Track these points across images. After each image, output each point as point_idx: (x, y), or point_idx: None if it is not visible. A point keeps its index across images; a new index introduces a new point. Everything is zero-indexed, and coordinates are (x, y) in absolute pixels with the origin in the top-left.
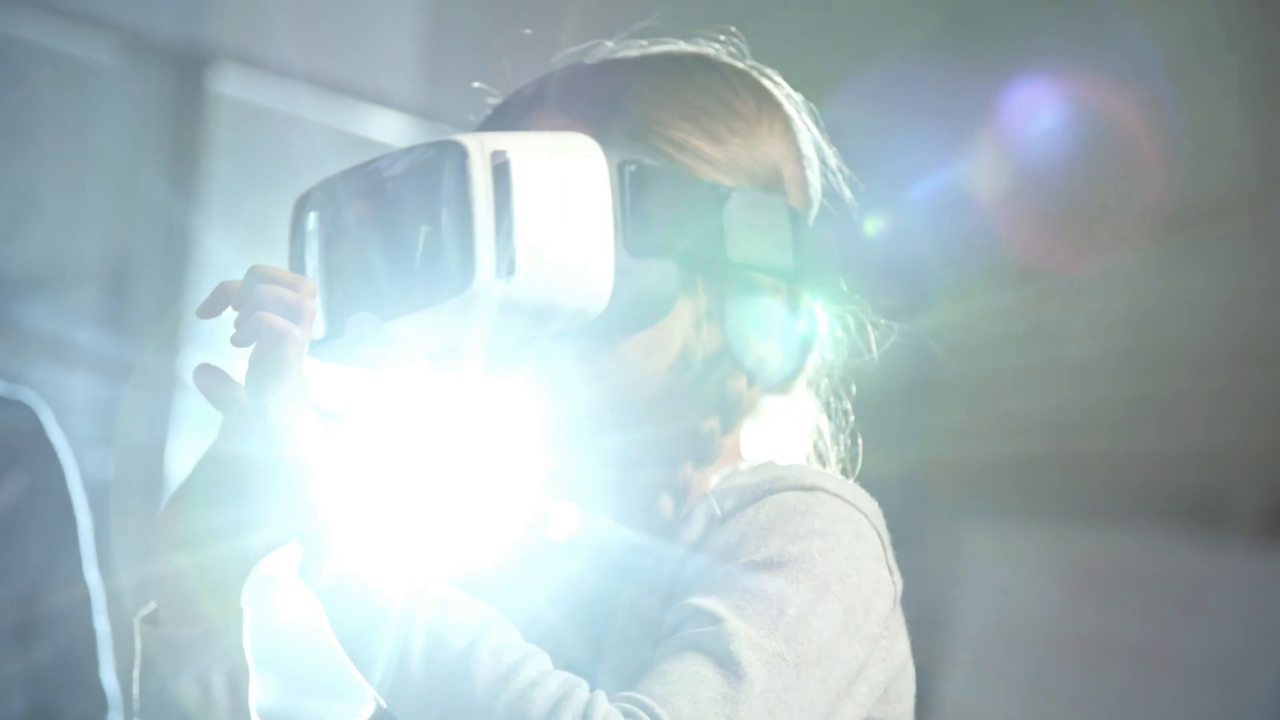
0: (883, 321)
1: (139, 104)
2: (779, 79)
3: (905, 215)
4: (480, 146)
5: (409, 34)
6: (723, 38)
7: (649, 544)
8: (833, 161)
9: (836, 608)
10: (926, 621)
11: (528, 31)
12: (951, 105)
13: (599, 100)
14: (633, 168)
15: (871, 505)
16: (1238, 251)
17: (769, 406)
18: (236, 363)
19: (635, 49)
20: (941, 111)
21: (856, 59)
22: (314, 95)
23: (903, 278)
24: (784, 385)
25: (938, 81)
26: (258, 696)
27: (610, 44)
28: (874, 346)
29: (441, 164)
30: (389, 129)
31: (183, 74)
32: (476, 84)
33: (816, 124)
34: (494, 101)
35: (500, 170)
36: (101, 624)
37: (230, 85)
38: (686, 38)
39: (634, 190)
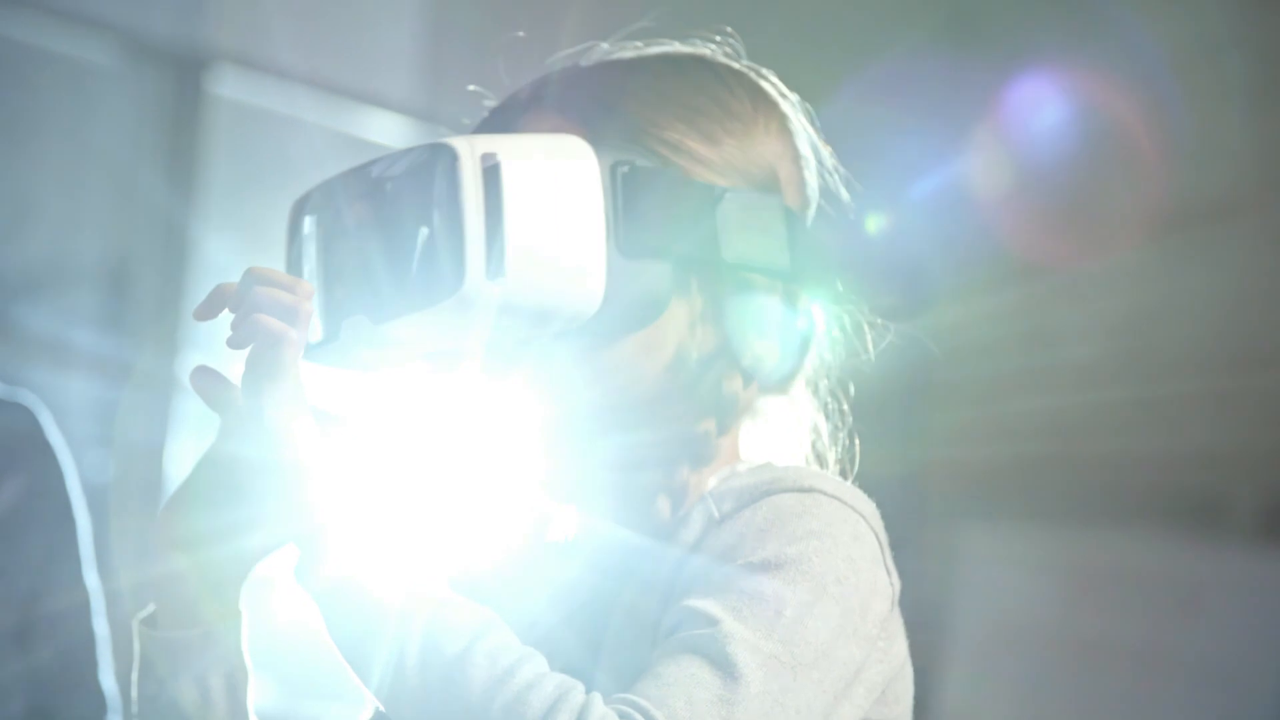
0: (879, 321)
1: (138, 105)
2: (775, 79)
3: (904, 216)
4: (471, 149)
5: (407, 35)
6: (719, 38)
7: (647, 545)
8: (829, 161)
9: (833, 609)
10: (925, 623)
11: (521, 34)
12: (951, 105)
13: (594, 102)
14: (625, 169)
15: (869, 507)
16: (1237, 252)
17: (768, 407)
18: (235, 364)
19: (631, 50)
20: (941, 111)
21: (856, 59)
22: (312, 97)
23: (901, 278)
24: (782, 385)
25: (937, 81)
26: (256, 698)
27: (606, 45)
28: (871, 346)
29: (433, 167)
30: (387, 131)
31: (181, 76)
32: (472, 87)
33: (813, 124)
34: (491, 104)
35: (491, 173)
36: (101, 626)
37: (229, 87)
38: (683, 38)
39: (626, 191)
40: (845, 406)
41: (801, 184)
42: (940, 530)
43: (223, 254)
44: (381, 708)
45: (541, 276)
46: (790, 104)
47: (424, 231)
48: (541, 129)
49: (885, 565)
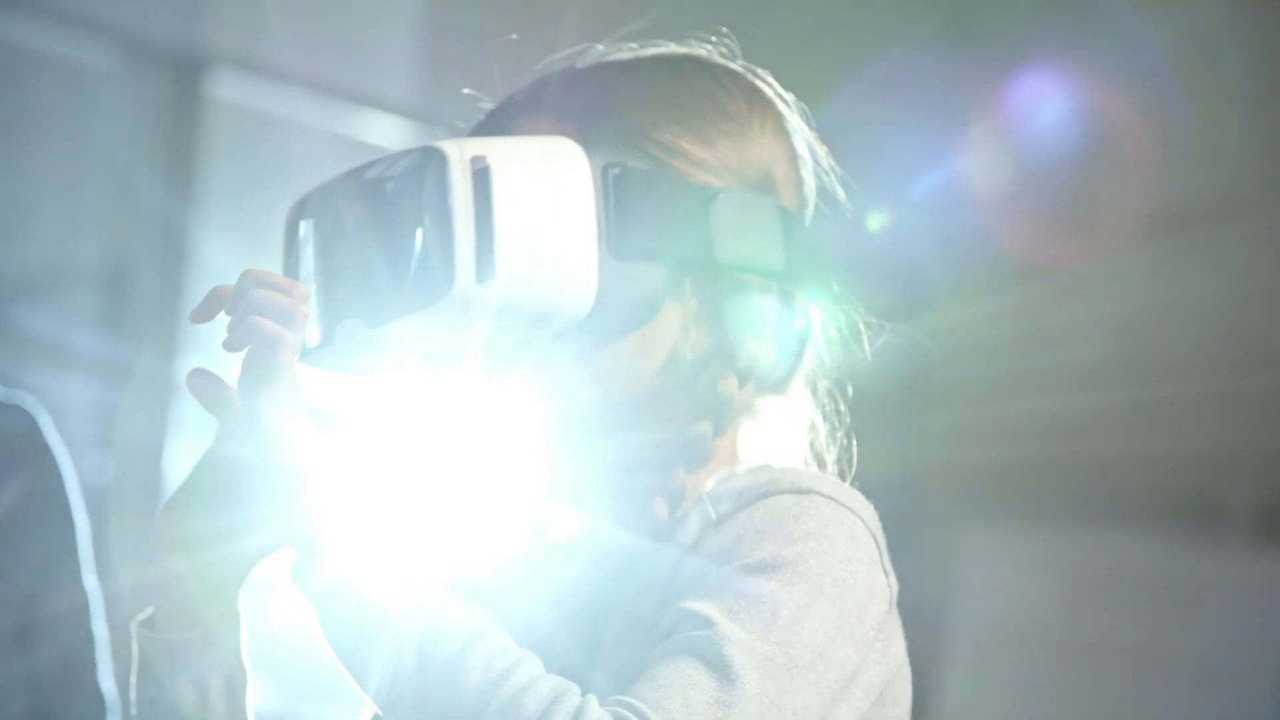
0: (875, 321)
1: (136, 108)
2: (770, 79)
3: (903, 216)
4: (460, 152)
5: (406, 37)
6: (714, 38)
7: (646, 546)
8: (825, 161)
9: (830, 611)
10: (924, 624)
11: (514, 36)
12: (949, 106)
13: (588, 104)
14: (616, 171)
15: (867, 508)
16: (1236, 253)
17: (767, 408)
18: (234, 366)
19: (626, 52)
20: (940, 112)
21: (855, 58)
22: (311, 99)
23: (900, 279)
24: (780, 386)
25: (936, 81)
26: (255, 700)
27: (601, 47)
28: (868, 347)
29: (424, 170)
30: (386, 133)
31: (179, 78)
32: (467, 90)
33: (808, 124)
34: (487, 106)
35: (480, 176)
36: (100, 628)
37: (227, 89)
38: (678, 39)
39: (618, 193)
40: (842, 407)
41: (798, 184)
42: (940, 531)
43: (221, 255)
44: (379, 710)
45: (532, 279)
46: (786, 104)
47: (416, 235)
48: (536, 131)
49: (883, 567)
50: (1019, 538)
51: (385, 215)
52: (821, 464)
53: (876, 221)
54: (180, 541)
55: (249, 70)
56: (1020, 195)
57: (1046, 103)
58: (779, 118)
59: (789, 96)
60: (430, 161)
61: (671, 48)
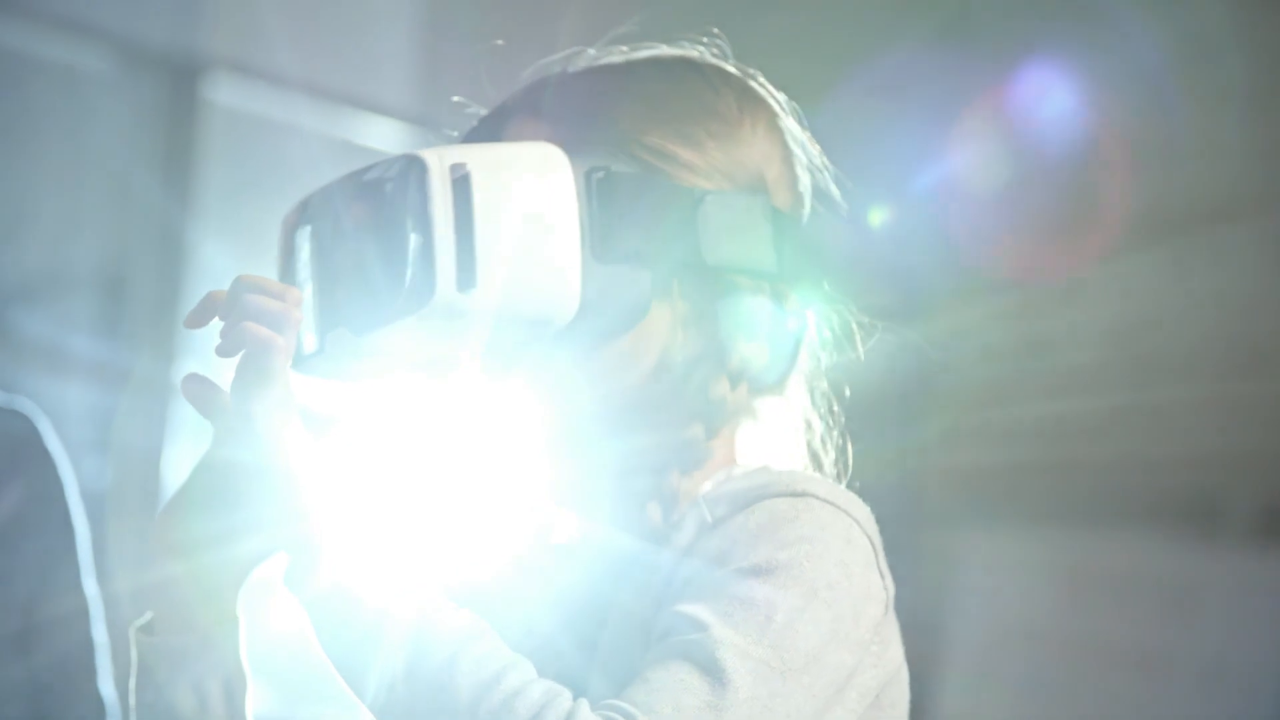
0: (868, 320)
1: (133, 112)
2: (763, 79)
3: (900, 218)
4: (440, 161)
5: (403, 41)
6: (706, 39)
7: (642, 549)
8: (818, 160)
9: (824, 614)
10: (922, 627)
11: (500, 42)
12: (948, 107)
13: (577, 108)
14: (600, 175)
15: (863, 511)
16: (1233, 256)
17: (765, 409)
18: (230, 371)
19: (618, 55)
20: (938, 113)
21: (854, 58)
22: (308, 103)
23: (898, 282)
24: (776, 387)
25: (934, 81)
26: (254, 704)
27: (592, 51)
28: (861, 347)
29: (406, 179)
30: (384, 136)
31: (177, 82)
32: (456, 98)
33: (801, 124)
34: (480, 112)
35: (460, 184)
36: (100, 633)
37: (224, 93)
38: (671, 41)
39: (601, 197)
40: (835, 408)
41: (792, 184)
42: (939, 533)
43: (219, 259)
44: (374, 715)
45: (514, 285)
46: (779, 103)
47: (398, 243)
48: (526, 136)
49: (879, 570)
50: (1019, 539)
51: (367, 224)
52: (819, 465)
53: (877, 218)
54: (178, 545)
55: (246, 74)
56: (1019, 198)
57: (1046, 103)
58: (771, 117)
59: (781, 96)
60: (411, 170)
61: (663, 50)
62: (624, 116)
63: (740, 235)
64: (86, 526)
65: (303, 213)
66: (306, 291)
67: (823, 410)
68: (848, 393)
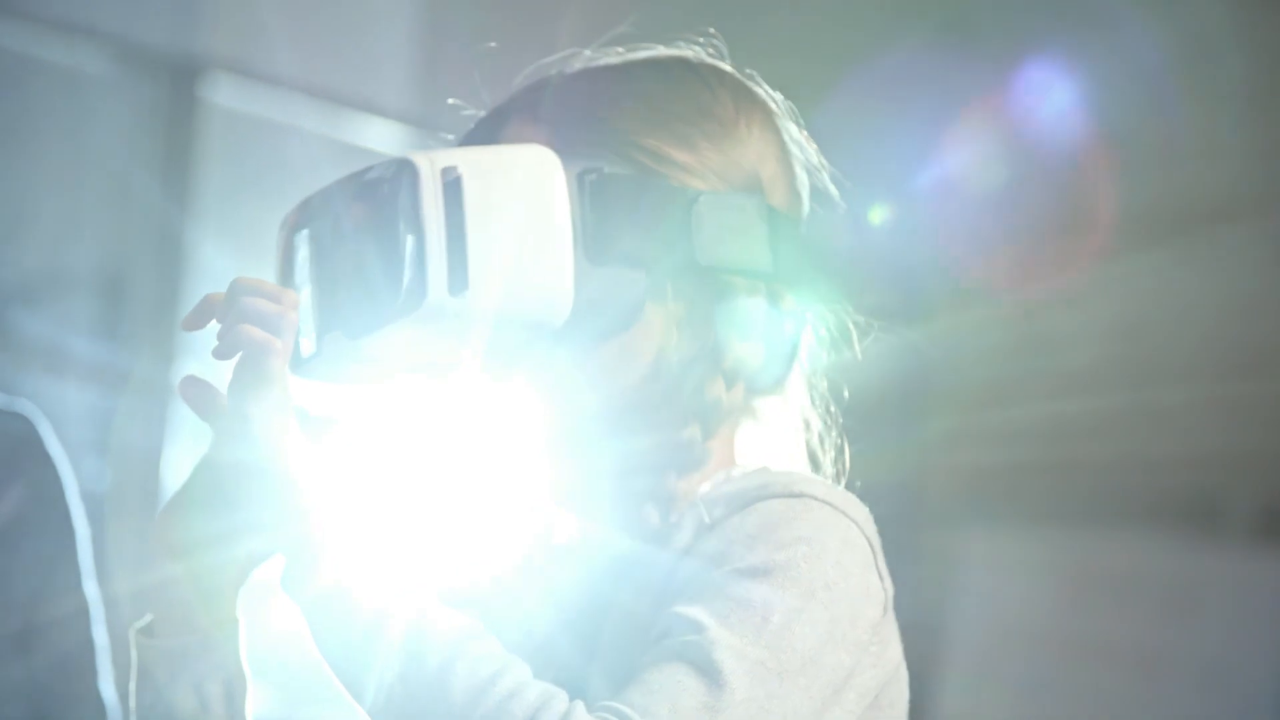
0: (866, 320)
1: (132, 113)
2: (759, 79)
3: (900, 218)
4: (431, 164)
5: (403, 42)
6: (701, 39)
7: (641, 550)
8: (815, 158)
9: (822, 615)
10: (922, 627)
11: (493, 45)
12: (947, 108)
13: (573, 110)
14: (593, 176)
15: (862, 512)
16: (1233, 256)
17: (765, 410)
18: (229, 372)
19: (614, 56)
20: (938, 114)
21: (853, 58)
22: (307, 104)
23: (898, 282)
24: (774, 387)
25: (933, 81)
26: (255, 705)
27: (588, 52)
28: (858, 347)
29: (398, 183)
30: (382, 138)
31: (175, 83)
32: (452, 100)
33: (797, 123)
34: (478, 114)
35: (451, 187)
36: (100, 635)
37: (223, 94)
38: (667, 41)
39: (594, 199)
40: (832, 408)
41: (790, 183)
42: (939, 534)
43: (218, 260)
44: (371, 716)
45: (506, 287)
46: (775, 103)
47: (391, 247)
48: (523, 139)
49: (877, 570)
50: (1019, 540)
51: (361, 228)
52: (818, 466)
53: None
54: (177, 546)
55: (245, 75)
56: (1018, 196)
57: (1045, 103)
58: (768, 116)
59: (778, 95)
60: (403, 174)
61: (659, 50)
62: (619, 118)
63: (735, 235)
64: (87, 528)
65: (302, 214)
66: (304, 294)
67: (821, 410)
68: (846, 394)
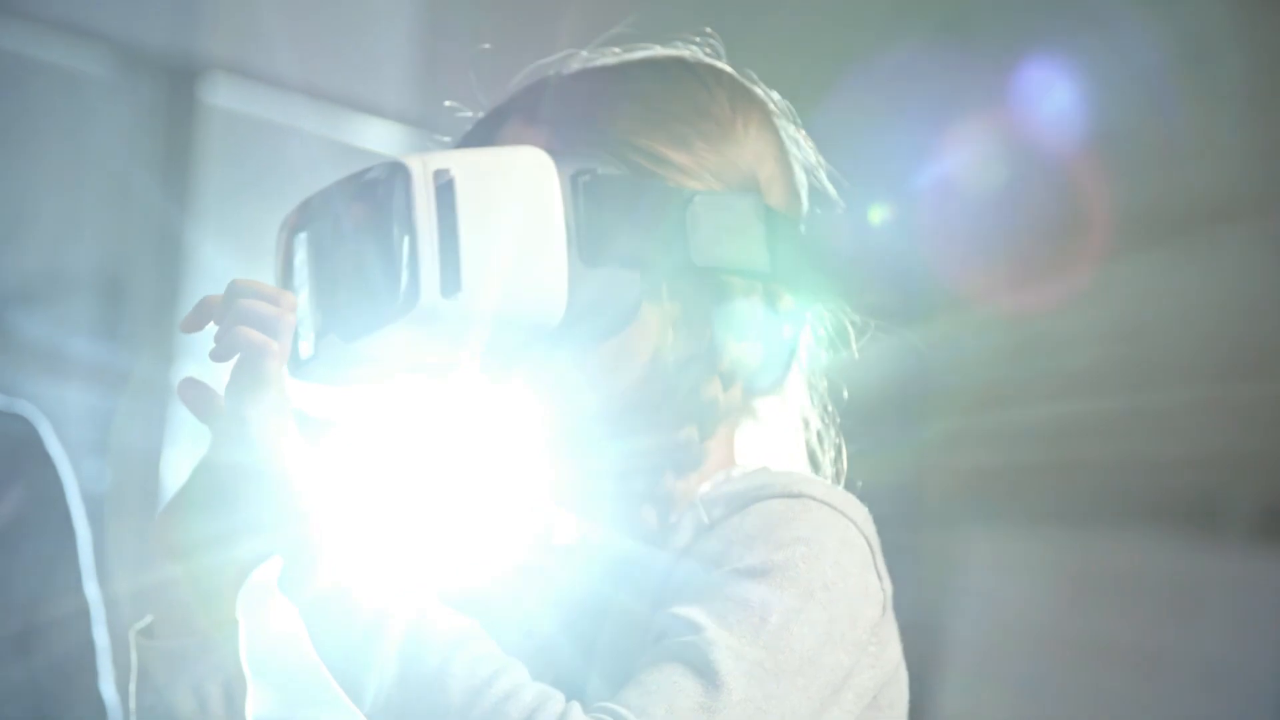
0: (864, 320)
1: (132, 115)
2: (756, 79)
3: (900, 218)
4: (424, 167)
5: (402, 43)
6: (699, 39)
7: (640, 551)
8: (813, 157)
9: (820, 615)
10: (922, 628)
11: (487, 46)
12: (947, 109)
13: (567, 111)
14: (587, 178)
15: (861, 512)
16: (1233, 256)
17: (764, 410)
18: (228, 374)
19: (611, 57)
20: (937, 115)
21: (852, 57)
22: (307, 105)
23: (898, 282)
24: (772, 387)
25: (932, 81)
26: (254, 706)
27: (585, 53)
28: (856, 348)
29: (391, 185)
30: (382, 139)
31: (175, 85)
32: (448, 102)
33: (794, 123)
34: (476, 116)
35: (444, 189)
36: (100, 636)
37: (222, 96)
38: (665, 41)
39: (588, 200)
40: (831, 408)
41: (787, 183)
42: (939, 535)
43: (218, 262)
44: (368, 718)
45: (500, 289)
46: (773, 102)
47: (385, 250)
48: (520, 140)
49: (876, 570)
50: (1019, 540)
51: (355, 231)
52: (817, 466)
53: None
54: (177, 546)
55: (244, 76)
56: (1018, 199)
57: (1044, 103)
58: (765, 116)
59: (775, 95)
60: (395, 176)
61: (656, 50)
62: (615, 118)
63: (731, 236)
64: (87, 529)
65: (302, 216)
66: (302, 296)
67: (821, 410)
68: (846, 394)
